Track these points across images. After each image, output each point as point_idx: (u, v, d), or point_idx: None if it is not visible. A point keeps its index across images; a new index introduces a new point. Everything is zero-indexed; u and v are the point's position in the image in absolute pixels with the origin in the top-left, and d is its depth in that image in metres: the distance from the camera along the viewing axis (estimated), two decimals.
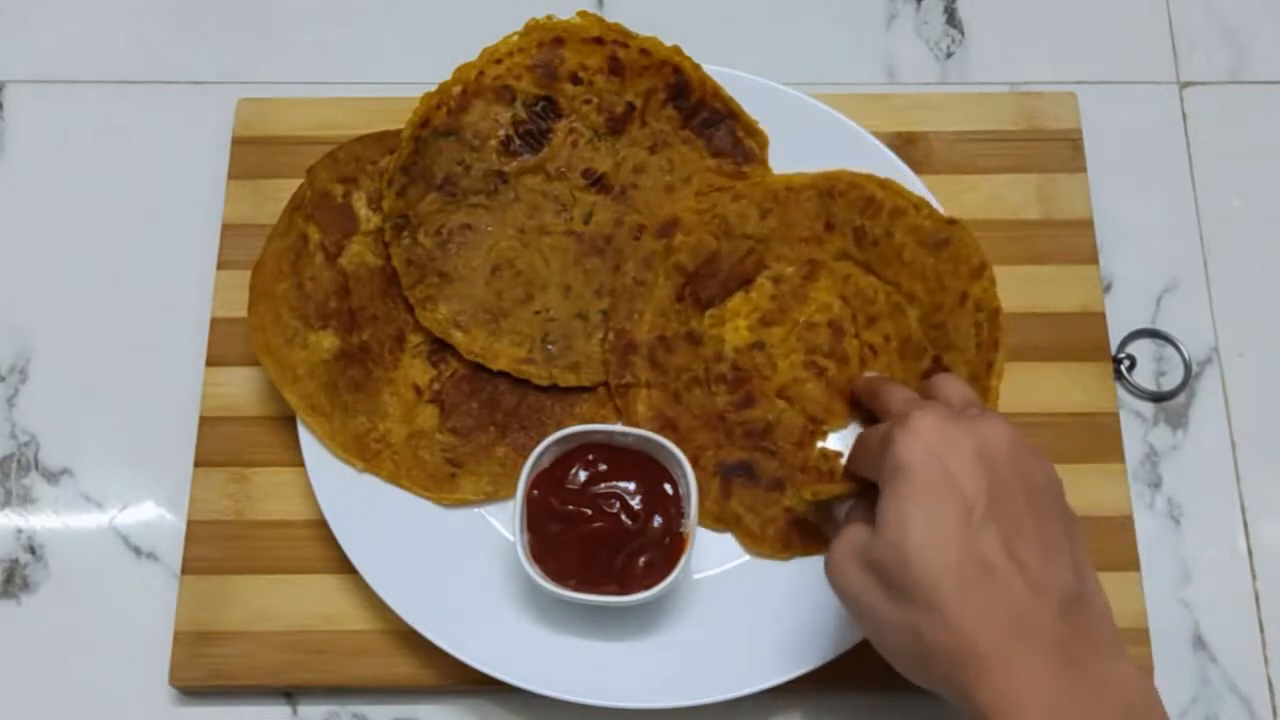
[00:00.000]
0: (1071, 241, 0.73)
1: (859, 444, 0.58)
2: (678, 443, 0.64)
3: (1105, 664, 0.50)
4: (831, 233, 0.70)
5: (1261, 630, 0.67)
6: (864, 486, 0.58)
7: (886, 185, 0.70)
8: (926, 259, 0.68)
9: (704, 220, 0.70)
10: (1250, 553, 0.69)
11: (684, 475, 0.62)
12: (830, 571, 0.55)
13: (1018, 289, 0.70)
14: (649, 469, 0.63)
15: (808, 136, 0.72)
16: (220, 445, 0.69)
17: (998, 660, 0.48)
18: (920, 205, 0.69)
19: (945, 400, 0.57)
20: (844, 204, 0.70)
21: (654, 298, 0.69)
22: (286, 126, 0.76)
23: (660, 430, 0.66)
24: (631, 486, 0.63)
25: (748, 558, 0.66)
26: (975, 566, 0.49)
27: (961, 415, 0.53)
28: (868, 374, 0.67)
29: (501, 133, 0.71)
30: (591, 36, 0.71)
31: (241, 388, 0.70)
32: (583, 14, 0.71)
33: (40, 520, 0.70)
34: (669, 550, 0.62)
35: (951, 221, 0.68)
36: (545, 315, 0.69)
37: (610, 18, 0.71)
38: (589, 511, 0.62)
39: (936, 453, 0.51)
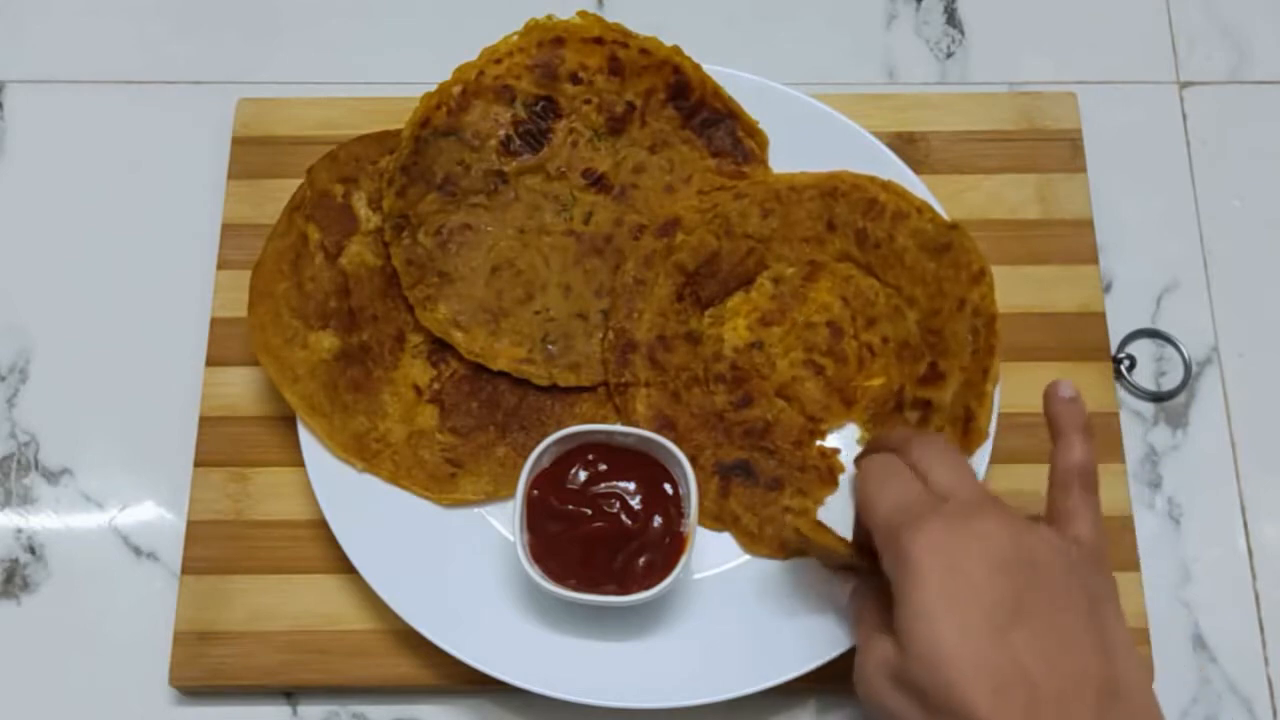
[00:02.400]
0: (1071, 241, 0.73)
1: (864, 510, 0.57)
2: (676, 442, 0.64)
3: None
4: (833, 234, 0.70)
5: (1261, 630, 0.67)
6: (862, 554, 0.58)
7: (889, 187, 0.70)
8: (927, 263, 0.68)
9: (705, 219, 0.70)
10: (1250, 553, 0.69)
11: (684, 475, 0.62)
12: (864, 691, 0.54)
13: (1018, 289, 0.70)
14: (649, 469, 0.63)
15: (808, 136, 0.72)
16: (220, 445, 0.69)
17: None
18: (923, 209, 0.69)
19: (933, 482, 0.56)
20: (846, 205, 0.70)
21: (654, 297, 0.69)
22: (286, 126, 0.76)
23: (659, 429, 0.66)
24: (631, 486, 0.63)
25: (747, 558, 0.66)
26: (1010, 676, 0.48)
27: (965, 516, 0.53)
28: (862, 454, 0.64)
29: (501, 133, 0.71)
30: (591, 36, 0.71)
31: (241, 388, 0.70)
32: (583, 14, 0.71)
33: (40, 520, 0.70)
34: (669, 550, 0.62)
35: (953, 226, 0.68)
36: (545, 315, 0.69)
37: (610, 18, 0.71)
38: (589, 511, 0.62)
39: (951, 559, 0.51)
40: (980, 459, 0.65)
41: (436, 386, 0.68)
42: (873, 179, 0.70)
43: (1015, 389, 0.66)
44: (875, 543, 0.55)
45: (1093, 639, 0.50)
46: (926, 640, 0.50)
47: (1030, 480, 0.67)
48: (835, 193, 0.70)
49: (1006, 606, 0.50)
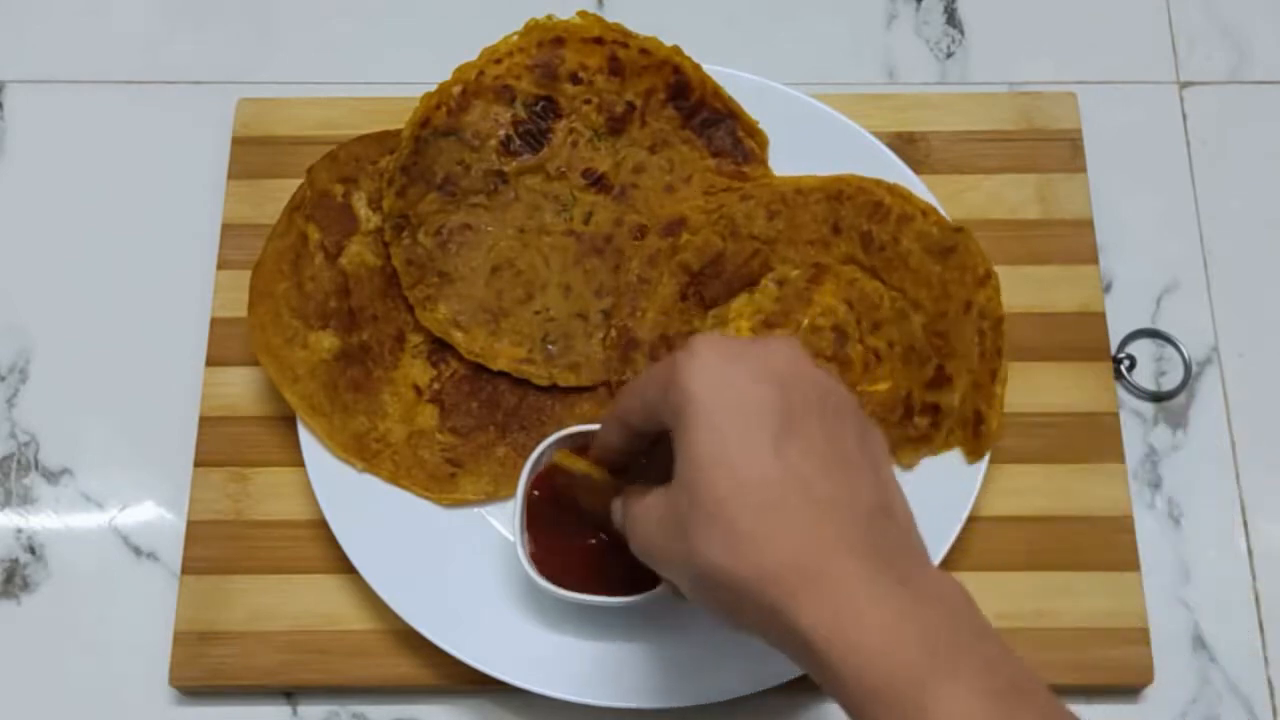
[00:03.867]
0: (1071, 241, 0.73)
1: (628, 394, 0.52)
2: None
3: (918, 570, 0.46)
4: (838, 237, 0.70)
5: (1261, 630, 0.67)
6: (616, 468, 0.55)
7: (895, 190, 0.70)
8: (932, 266, 0.68)
9: (710, 220, 0.70)
10: (1250, 553, 0.69)
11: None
12: (642, 546, 0.50)
13: (1018, 289, 0.70)
14: None
15: (808, 136, 0.72)
16: (220, 445, 0.69)
17: (815, 579, 0.44)
18: (928, 212, 0.69)
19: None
20: (852, 208, 0.70)
21: (658, 296, 0.69)
22: (286, 126, 0.76)
23: None
24: None
25: None
26: (780, 486, 0.45)
27: (744, 339, 0.50)
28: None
29: (501, 133, 0.71)
30: (591, 36, 0.71)
31: (241, 388, 0.70)
32: (583, 14, 0.71)
33: (40, 520, 0.70)
34: None
35: (958, 229, 0.68)
36: (545, 315, 0.69)
37: (610, 18, 0.71)
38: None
39: (725, 377, 0.47)
40: (981, 460, 0.65)
41: (436, 386, 0.68)
42: (878, 182, 0.70)
43: (1015, 389, 0.67)
44: (644, 417, 0.51)
45: (867, 464, 0.48)
46: (691, 458, 0.46)
47: (1030, 480, 0.68)
48: (841, 196, 0.70)
49: (777, 419, 0.46)
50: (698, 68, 0.71)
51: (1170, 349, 0.73)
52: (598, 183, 0.71)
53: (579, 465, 0.57)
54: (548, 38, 0.71)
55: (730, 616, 0.47)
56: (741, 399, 0.47)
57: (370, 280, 0.69)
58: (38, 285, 0.75)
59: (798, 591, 0.44)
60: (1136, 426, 0.71)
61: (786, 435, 0.46)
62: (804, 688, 0.63)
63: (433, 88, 0.70)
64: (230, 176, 0.75)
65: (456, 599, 0.64)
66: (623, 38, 0.71)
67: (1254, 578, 0.69)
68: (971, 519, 0.65)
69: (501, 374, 0.68)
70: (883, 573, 0.44)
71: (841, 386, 0.50)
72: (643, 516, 0.50)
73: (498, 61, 0.71)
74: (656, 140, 0.72)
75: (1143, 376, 0.72)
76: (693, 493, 0.46)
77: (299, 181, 0.70)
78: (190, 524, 0.68)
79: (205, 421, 0.70)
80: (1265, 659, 0.67)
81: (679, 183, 0.71)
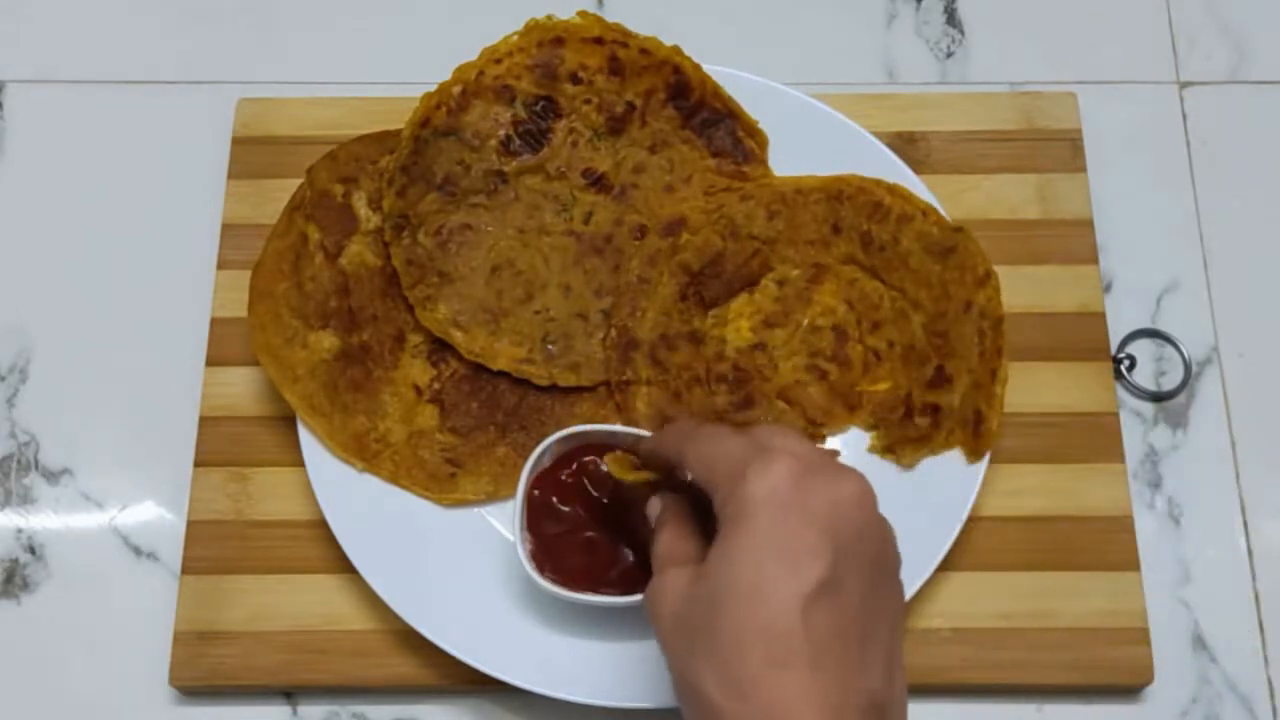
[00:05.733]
0: (1071, 241, 0.73)
1: (693, 453, 0.52)
2: None
3: None
4: (838, 236, 0.70)
5: (1261, 630, 0.67)
6: (668, 480, 0.55)
7: (895, 191, 0.70)
8: (932, 266, 0.68)
9: (711, 220, 0.70)
10: (1250, 553, 0.69)
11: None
12: (650, 606, 0.50)
13: (1018, 289, 0.70)
14: None
15: (808, 136, 0.72)
16: (220, 445, 0.69)
17: None
18: (928, 212, 0.69)
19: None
20: (852, 208, 0.70)
21: (658, 296, 0.69)
22: (286, 126, 0.76)
23: (659, 428, 0.66)
24: None
25: None
26: (795, 646, 0.45)
27: (819, 469, 0.48)
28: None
29: (501, 133, 0.71)
30: (591, 36, 0.71)
31: (241, 388, 0.70)
32: (583, 14, 0.71)
33: (40, 520, 0.70)
34: None
35: (958, 229, 0.68)
36: (545, 315, 0.69)
37: (610, 18, 0.71)
38: (589, 511, 0.62)
39: (787, 510, 0.46)
40: (981, 460, 0.65)
41: (436, 386, 0.68)
42: (878, 182, 0.70)
43: (1015, 389, 0.66)
44: (704, 484, 0.51)
45: (884, 655, 0.47)
46: (724, 582, 0.46)
47: (1030, 480, 0.68)
48: (841, 196, 0.70)
49: (817, 581, 0.45)
50: (698, 68, 0.71)
51: (1170, 349, 0.73)
52: (598, 183, 0.71)
53: (635, 477, 0.57)
54: (548, 38, 0.71)
55: None
56: (794, 542, 0.46)
57: (370, 280, 0.69)
58: (38, 285, 0.75)
59: None
60: (1136, 426, 0.71)
61: (821, 594, 0.46)
62: None
63: (433, 88, 0.70)
64: (230, 176, 0.75)
65: (456, 599, 0.64)
66: (623, 38, 0.71)
67: (1254, 578, 0.69)
68: (971, 519, 0.65)
69: (501, 374, 0.68)
70: None
71: (892, 543, 0.50)
72: (661, 596, 0.50)
73: (498, 61, 0.71)
74: (656, 140, 0.72)
75: (1143, 376, 0.72)
76: (714, 611, 0.46)
77: (299, 181, 0.70)
78: (190, 524, 0.68)
79: (205, 421, 0.70)
80: (1265, 659, 0.67)
81: (679, 183, 0.71)
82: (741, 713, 0.45)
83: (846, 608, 0.46)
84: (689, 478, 0.52)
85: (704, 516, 0.53)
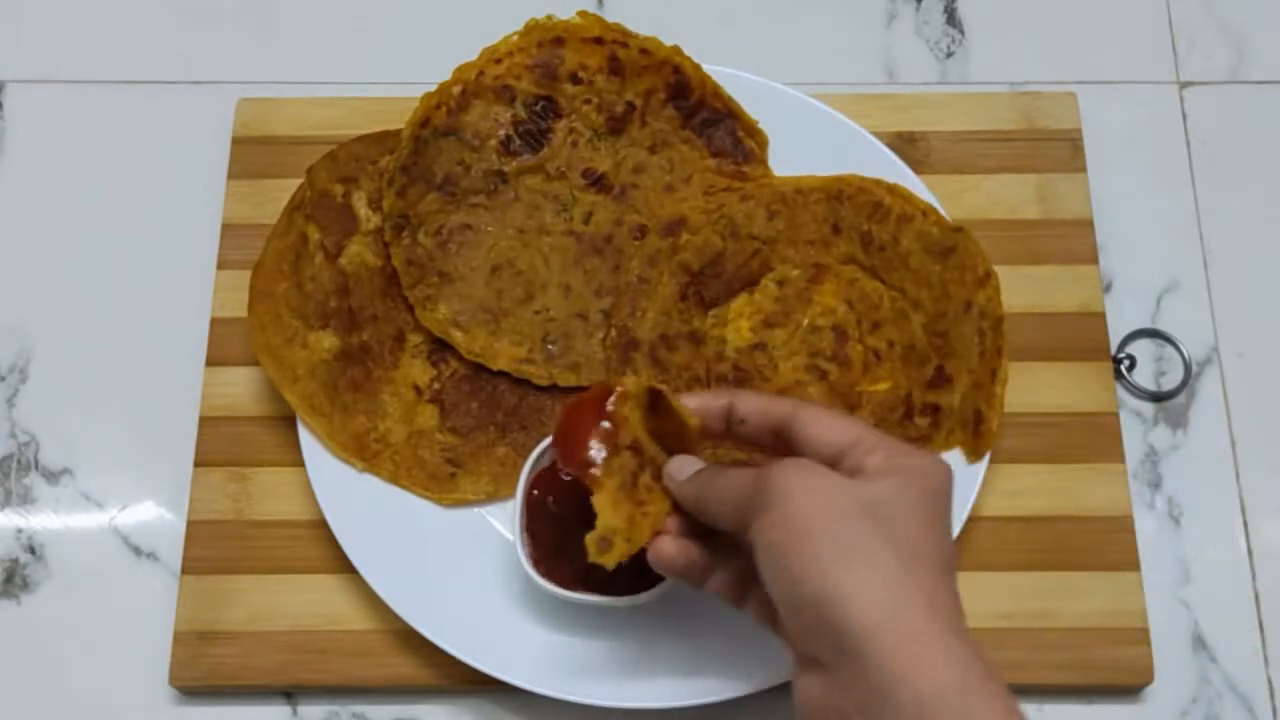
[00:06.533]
0: (1071, 241, 0.73)
1: (720, 484, 0.53)
2: None
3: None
4: (838, 236, 0.70)
5: (1261, 630, 0.67)
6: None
7: (895, 191, 0.69)
8: (932, 266, 0.68)
9: (711, 220, 0.70)
10: (1250, 553, 0.69)
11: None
12: (709, 506, 0.53)
13: (1017, 289, 0.70)
14: None
15: (808, 136, 0.72)
16: (220, 445, 0.69)
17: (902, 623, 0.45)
18: (928, 212, 0.69)
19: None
20: (852, 208, 0.70)
21: (658, 296, 0.69)
22: (286, 126, 0.76)
23: None
24: None
25: None
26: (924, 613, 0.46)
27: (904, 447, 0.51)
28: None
29: (501, 133, 0.71)
30: (591, 36, 0.71)
31: (241, 388, 0.70)
32: (583, 14, 0.71)
33: (40, 520, 0.70)
34: None
35: (958, 229, 0.68)
36: (545, 315, 0.69)
37: (610, 18, 0.71)
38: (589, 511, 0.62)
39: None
40: (981, 460, 0.65)
41: (436, 386, 0.68)
42: (879, 182, 0.70)
43: (1015, 389, 0.66)
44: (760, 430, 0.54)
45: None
46: (816, 585, 0.47)
47: (1030, 480, 0.68)
48: (841, 196, 0.70)
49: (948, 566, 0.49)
50: (698, 68, 0.71)
51: (1170, 349, 0.73)
52: (598, 183, 0.71)
53: (683, 411, 0.57)
54: (548, 38, 0.71)
55: (783, 587, 0.48)
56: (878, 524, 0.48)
57: (370, 280, 0.69)
58: (38, 285, 0.75)
59: (880, 630, 0.45)
60: (1136, 426, 0.71)
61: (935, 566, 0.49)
62: None
63: (433, 88, 0.70)
64: (230, 176, 0.75)
65: (456, 599, 0.64)
66: (623, 38, 0.71)
67: (1254, 578, 0.69)
68: (971, 519, 0.65)
69: (501, 374, 0.68)
70: (954, 628, 0.46)
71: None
72: (721, 495, 0.52)
73: (498, 61, 0.71)
74: (656, 140, 0.72)
75: (1143, 376, 0.72)
76: (841, 635, 0.46)
77: (299, 181, 0.70)
78: (190, 524, 0.68)
79: (205, 421, 0.70)
80: (1265, 659, 0.67)
81: (679, 183, 0.71)
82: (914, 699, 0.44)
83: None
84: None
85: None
